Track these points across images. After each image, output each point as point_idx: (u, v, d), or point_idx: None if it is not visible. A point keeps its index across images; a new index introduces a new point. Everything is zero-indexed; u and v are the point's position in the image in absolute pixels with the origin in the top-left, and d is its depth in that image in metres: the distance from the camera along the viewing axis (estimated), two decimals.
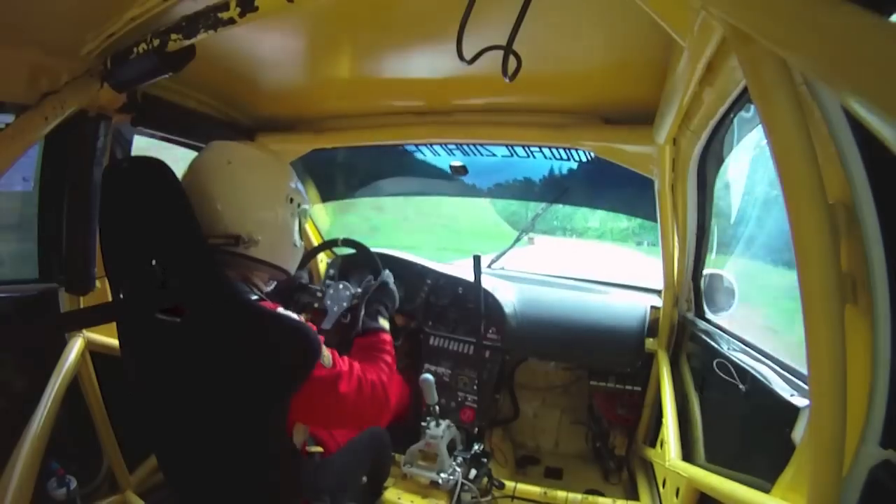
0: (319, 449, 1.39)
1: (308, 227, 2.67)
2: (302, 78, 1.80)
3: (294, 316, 1.10)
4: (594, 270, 2.87)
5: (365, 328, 1.47)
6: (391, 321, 2.23)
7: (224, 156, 1.18)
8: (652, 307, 2.13)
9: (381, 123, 2.05)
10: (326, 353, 1.14)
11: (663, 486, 1.65)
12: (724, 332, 1.65)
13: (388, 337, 1.46)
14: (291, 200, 1.24)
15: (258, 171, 1.20)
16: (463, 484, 1.70)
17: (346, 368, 1.19)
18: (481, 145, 2.15)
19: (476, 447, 1.87)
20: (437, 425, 1.78)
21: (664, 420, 1.72)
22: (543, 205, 2.59)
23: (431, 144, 2.18)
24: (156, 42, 1.21)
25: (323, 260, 2.67)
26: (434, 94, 1.83)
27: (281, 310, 1.10)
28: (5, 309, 1.54)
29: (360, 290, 2.14)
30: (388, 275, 1.68)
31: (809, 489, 0.79)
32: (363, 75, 1.72)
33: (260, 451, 1.15)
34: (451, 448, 1.81)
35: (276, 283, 1.34)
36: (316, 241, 2.68)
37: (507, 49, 0.88)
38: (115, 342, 1.29)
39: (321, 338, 1.12)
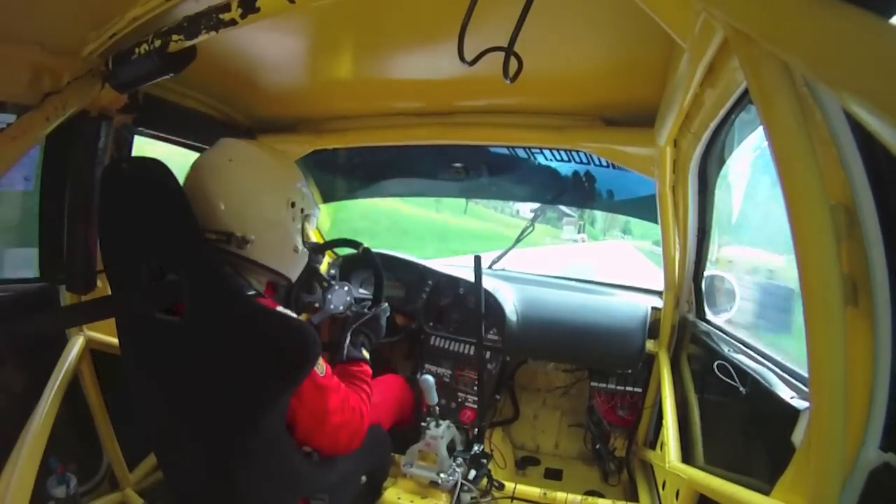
0: None
1: None
2: (303, 79, 1.80)
3: (293, 315, 1.11)
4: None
5: (349, 356, 1.47)
6: (393, 325, 2.24)
7: (227, 154, 1.18)
8: (653, 308, 2.13)
9: (382, 124, 2.05)
10: (322, 363, 1.16)
11: (663, 488, 1.65)
12: (724, 333, 1.65)
13: (368, 369, 1.47)
14: (293, 205, 1.22)
15: (259, 171, 1.19)
16: (462, 484, 1.70)
17: (335, 384, 1.21)
18: (482, 146, 2.15)
19: (476, 448, 1.87)
20: (437, 425, 1.78)
21: (664, 422, 1.72)
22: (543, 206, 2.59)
23: (432, 145, 2.18)
24: (157, 43, 1.20)
25: (324, 260, 2.67)
26: (435, 95, 1.83)
27: (280, 308, 1.11)
28: (7, 308, 1.55)
29: (361, 290, 2.15)
30: (385, 308, 1.67)
31: (809, 491, 0.79)
32: (364, 76, 1.72)
33: (259, 449, 1.15)
34: (451, 448, 1.81)
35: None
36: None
37: (509, 50, 0.88)
38: (115, 340, 1.29)
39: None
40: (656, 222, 1.87)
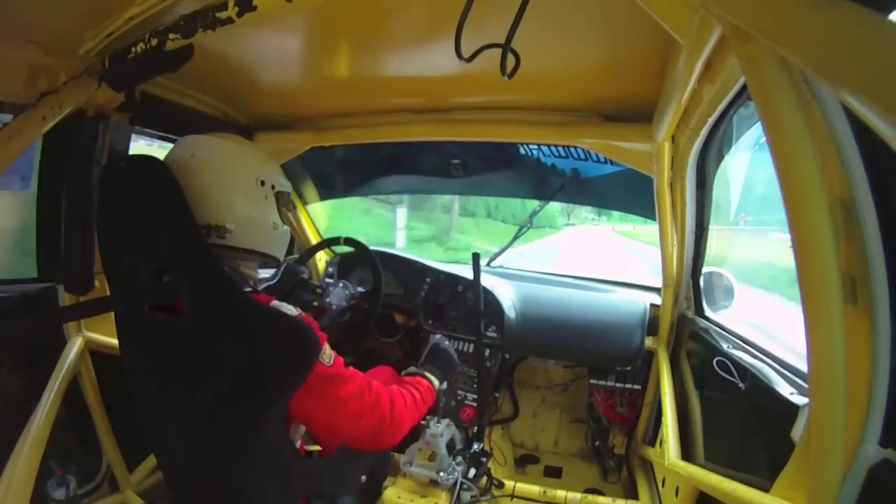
0: (318, 448, 1.39)
1: (306, 225, 2.67)
2: (300, 76, 1.79)
3: (292, 311, 1.10)
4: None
5: (413, 372, 1.52)
6: (392, 323, 2.22)
7: (188, 150, 1.16)
8: (651, 305, 2.13)
9: (380, 121, 2.04)
10: (329, 351, 1.13)
11: (663, 486, 1.65)
12: (723, 330, 1.65)
13: (427, 383, 1.48)
14: (263, 183, 1.21)
15: (223, 158, 1.18)
16: (462, 483, 1.70)
17: (347, 372, 1.17)
18: (480, 143, 2.15)
19: (476, 446, 1.86)
20: (437, 424, 1.78)
21: (664, 419, 1.72)
22: (541, 202, 2.59)
23: (430, 143, 2.18)
24: (154, 41, 1.20)
25: (322, 259, 2.67)
26: (433, 92, 1.83)
27: (276, 303, 1.10)
28: (6, 308, 1.54)
29: (359, 289, 2.15)
30: (440, 339, 1.74)
31: (809, 488, 0.79)
32: (361, 74, 1.71)
33: (259, 449, 1.15)
34: (451, 447, 1.81)
35: (272, 271, 1.33)
36: (315, 240, 2.68)
37: (506, 47, 0.88)
38: (114, 342, 1.29)
39: (324, 336, 1.12)
40: (654, 218, 1.87)
